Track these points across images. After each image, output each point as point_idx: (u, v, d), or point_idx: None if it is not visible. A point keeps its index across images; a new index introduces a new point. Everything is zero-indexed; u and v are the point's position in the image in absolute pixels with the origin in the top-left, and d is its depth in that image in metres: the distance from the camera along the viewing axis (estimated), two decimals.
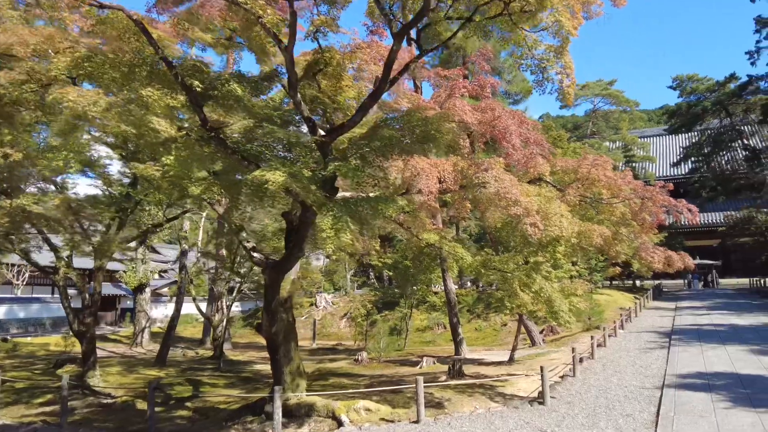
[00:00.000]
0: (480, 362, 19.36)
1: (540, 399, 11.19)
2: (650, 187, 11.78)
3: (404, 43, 12.57)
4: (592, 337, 15.83)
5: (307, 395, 11.63)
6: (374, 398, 12.20)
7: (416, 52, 16.30)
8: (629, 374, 13.37)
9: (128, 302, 43.92)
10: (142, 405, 14.61)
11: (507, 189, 9.45)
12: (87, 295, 16.56)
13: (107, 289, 47.09)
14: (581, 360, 15.58)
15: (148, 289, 32.12)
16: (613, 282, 43.00)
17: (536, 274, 13.10)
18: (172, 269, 45.87)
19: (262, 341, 33.69)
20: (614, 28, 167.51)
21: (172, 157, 7.54)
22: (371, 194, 9.34)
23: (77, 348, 19.08)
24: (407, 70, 8.99)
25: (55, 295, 39.21)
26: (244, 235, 12.25)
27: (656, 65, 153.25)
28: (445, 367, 18.00)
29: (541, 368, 10.98)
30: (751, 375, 12.21)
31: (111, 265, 41.32)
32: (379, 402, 11.86)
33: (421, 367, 18.22)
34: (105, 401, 15.23)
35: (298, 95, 8.24)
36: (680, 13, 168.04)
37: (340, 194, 10.68)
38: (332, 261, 53.29)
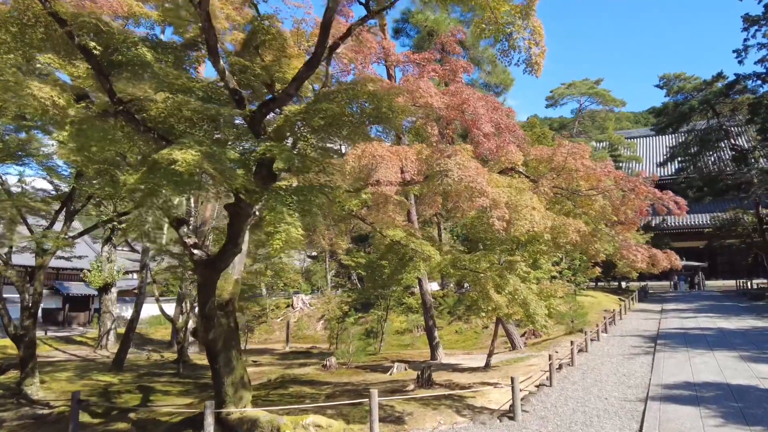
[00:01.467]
0: (455, 368, 18.21)
1: (510, 413, 10.06)
2: (633, 178, 10.68)
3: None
4: (572, 343, 14.76)
5: (252, 409, 10.41)
6: (329, 412, 11.00)
7: (393, 41, 15.20)
8: (611, 384, 12.28)
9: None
10: (81, 416, 13.29)
11: (472, 178, 8.30)
12: (27, 296, 15.18)
13: (79, 288, 45.41)
14: (560, 367, 14.51)
15: (114, 289, 30.63)
16: (599, 283, 42.18)
17: (510, 274, 12.00)
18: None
19: None
20: (601, 29, 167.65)
21: (65, 133, 6.33)
22: (318, 183, 8.14)
23: None
24: (350, 35, 7.81)
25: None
26: (185, 230, 10.97)
27: (643, 69, 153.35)
28: (417, 374, 16.84)
29: (512, 379, 9.83)
30: (743, 385, 11.16)
31: (77, 263, 39.82)
32: (334, 416, 10.66)
33: (391, 374, 17.03)
34: (41, 411, 13.89)
35: (221, 62, 7.04)
36: (667, 12, 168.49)
37: (292, 183, 9.49)
38: (314, 261, 52.05)
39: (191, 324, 26.04)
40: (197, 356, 26.43)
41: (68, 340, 32.50)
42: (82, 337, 34.07)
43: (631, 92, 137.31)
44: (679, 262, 10.80)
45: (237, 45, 10.32)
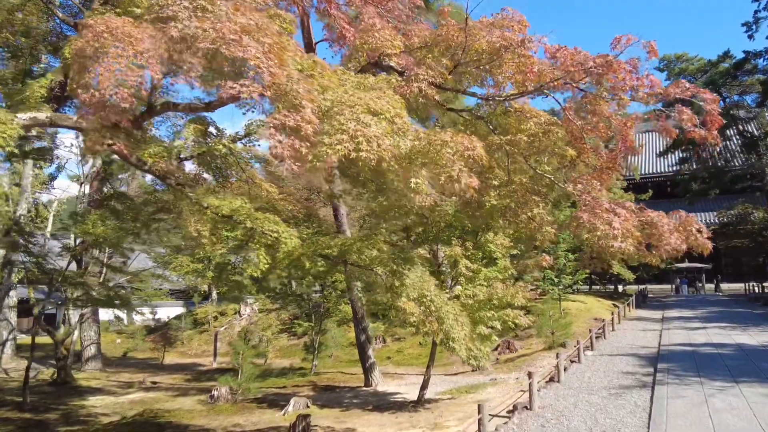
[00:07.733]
0: (381, 402, 13.38)
1: None
2: (607, 58, 5.66)
3: None
4: (529, 375, 9.88)
5: None
6: None
7: None
8: None
9: (50, 308, 37.30)
10: None
11: (224, 37, 3.52)
12: None
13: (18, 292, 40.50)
14: (513, 410, 9.70)
15: (13, 293, 25.87)
16: (593, 287, 37.38)
17: (408, 269, 7.13)
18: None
19: (157, 357, 27.49)
20: (600, 12, 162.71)
21: None
22: None
23: None
24: None
25: None
26: None
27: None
28: (323, 413, 12.11)
29: None
30: None
31: None
32: None
33: (285, 414, 12.21)
34: None
35: None
36: None
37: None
38: None
39: (76, 335, 21.36)
40: (95, 374, 21.64)
41: None
42: None
43: None
44: (704, 235, 5.85)
45: None
